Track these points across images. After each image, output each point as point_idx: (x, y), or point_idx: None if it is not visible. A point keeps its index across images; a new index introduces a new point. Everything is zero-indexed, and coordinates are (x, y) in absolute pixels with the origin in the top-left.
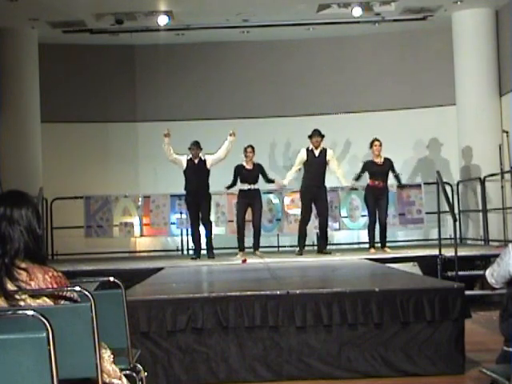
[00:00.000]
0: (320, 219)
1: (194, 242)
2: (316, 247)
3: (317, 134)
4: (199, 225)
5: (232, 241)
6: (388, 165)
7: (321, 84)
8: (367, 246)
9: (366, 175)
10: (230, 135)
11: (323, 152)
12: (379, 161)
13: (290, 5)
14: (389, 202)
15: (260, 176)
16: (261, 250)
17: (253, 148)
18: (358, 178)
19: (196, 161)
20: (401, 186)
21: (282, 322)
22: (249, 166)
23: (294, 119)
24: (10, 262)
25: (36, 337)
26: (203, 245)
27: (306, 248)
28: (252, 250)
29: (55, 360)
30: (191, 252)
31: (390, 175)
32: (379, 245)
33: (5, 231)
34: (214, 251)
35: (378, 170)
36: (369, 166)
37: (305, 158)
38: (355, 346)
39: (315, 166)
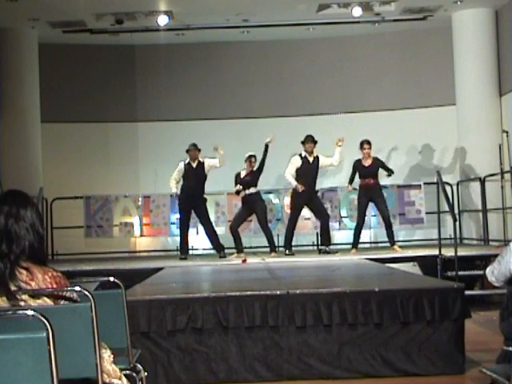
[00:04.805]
0: (322, 220)
1: (181, 244)
2: (316, 247)
3: (310, 140)
4: (188, 228)
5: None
6: (377, 165)
7: (321, 84)
8: (367, 246)
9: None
10: (215, 149)
11: (316, 159)
12: (367, 162)
13: (289, 5)
14: (385, 198)
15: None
16: (261, 249)
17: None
18: (351, 180)
19: (194, 164)
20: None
21: (281, 322)
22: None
23: (294, 119)
24: (15, 261)
25: (36, 337)
26: (199, 247)
27: (306, 248)
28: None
29: (55, 360)
30: (190, 252)
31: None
32: (367, 245)
33: (11, 229)
34: (213, 251)
35: (367, 171)
36: (357, 167)
37: (299, 165)
38: (355, 346)
39: (309, 173)
